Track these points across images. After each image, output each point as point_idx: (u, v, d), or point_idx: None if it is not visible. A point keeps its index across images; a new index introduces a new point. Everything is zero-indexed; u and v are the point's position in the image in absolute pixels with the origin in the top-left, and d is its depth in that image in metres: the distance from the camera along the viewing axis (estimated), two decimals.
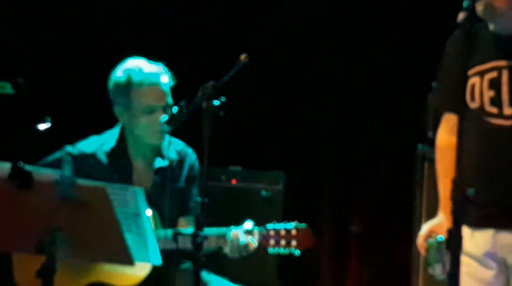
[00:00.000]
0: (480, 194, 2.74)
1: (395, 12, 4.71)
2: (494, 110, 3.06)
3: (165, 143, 3.61)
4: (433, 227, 3.14)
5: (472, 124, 3.01)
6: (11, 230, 2.89)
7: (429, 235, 3.12)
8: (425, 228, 3.18)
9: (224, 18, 4.77)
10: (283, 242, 3.39)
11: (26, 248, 2.88)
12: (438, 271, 3.08)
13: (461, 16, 2.81)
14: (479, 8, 2.96)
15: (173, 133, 3.54)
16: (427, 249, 3.10)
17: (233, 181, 4.42)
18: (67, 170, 2.76)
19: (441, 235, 3.07)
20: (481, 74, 3.09)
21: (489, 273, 3.09)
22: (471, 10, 2.85)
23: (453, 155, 3.06)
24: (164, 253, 3.15)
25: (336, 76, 4.78)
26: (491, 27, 3.10)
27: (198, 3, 4.80)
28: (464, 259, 2.93)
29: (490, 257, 3.08)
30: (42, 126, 3.81)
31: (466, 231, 3.03)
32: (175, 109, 3.38)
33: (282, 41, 4.77)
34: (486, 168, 3.03)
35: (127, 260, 2.82)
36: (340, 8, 4.75)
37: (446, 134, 3.23)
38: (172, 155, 3.64)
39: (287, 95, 4.79)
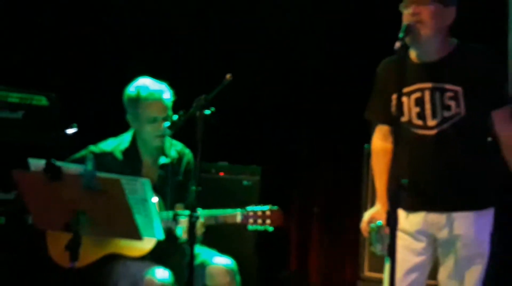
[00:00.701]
0: (411, 185, 2.76)
1: (340, 22, 4.64)
2: (419, 122, 3.04)
3: (167, 144, 3.60)
4: (373, 214, 3.14)
5: (403, 134, 3.00)
6: (45, 212, 2.89)
7: (370, 221, 3.12)
8: (366, 215, 3.17)
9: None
10: (259, 220, 3.37)
11: (57, 226, 2.85)
12: (379, 249, 3.09)
13: (397, 45, 2.82)
14: (408, 38, 2.91)
15: (174, 136, 3.52)
16: (370, 232, 3.10)
17: (221, 174, 4.40)
18: (90, 165, 2.75)
19: (380, 220, 3.10)
20: (408, 94, 3.04)
21: (420, 245, 3.08)
22: (404, 40, 2.88)
23: (386, 157, 3.14)
24: (166, 230, 3.18)
25: (294, 83, 4.74)
26: (415, 54, 3.04)
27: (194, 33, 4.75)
28: (400, 235, 2.98)
29: (421, 233, 3.08)
30: (70, 131, 3.82)
31: (402, 213, 3.06)
32: (175, 117, 3.35)
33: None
34: (415, 167, 3.00)
35: (137, 235, 2.83)
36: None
37: (380, 141, 3.22)
38: (173, 153, 3.63)
39: (262, 105, 4.76)
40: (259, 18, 4.70)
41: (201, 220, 3.34)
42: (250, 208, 3.40)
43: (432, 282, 3.21)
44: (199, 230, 3.35)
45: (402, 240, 3.01)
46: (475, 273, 3.02)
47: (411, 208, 3.05)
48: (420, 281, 3.11)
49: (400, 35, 2.83)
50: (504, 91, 3.04)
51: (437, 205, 3.04)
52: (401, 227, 3.02)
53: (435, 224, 3.05)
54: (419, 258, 3.09)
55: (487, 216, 3.04)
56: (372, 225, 3.09)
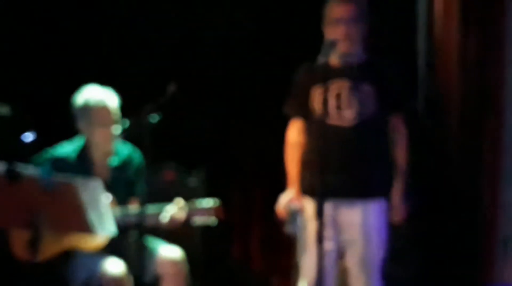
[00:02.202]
0: (320, 175, 2.86)
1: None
2: (335, 115, 3.17)
3: (118, 147, 3.61)
4: (289, 199, 3.28)
5: (316, 127, 3.13)
6: (6, 212, 2.90)
7: (287, 204, 3.26)
8: (283, 200, 3.29)
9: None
10: (204, 214, 3.43)
11: (18, 224, 2.90)
12: (290, 229, 3.24)
13: (321, 59, 2.96)
14: (333, 57, 3.11)
15: (126, 139, 3.56)
16: (287, 214, 3.25)
17: (171, 174, 4.40)
18: (47, 168, 2.84)
19: (294, 204, 3.23)
20: (328, 90, 3.15)
21: (329, 231, 3.10)
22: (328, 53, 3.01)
23: (299, 149, 3.26)
24: (118, 225, 3.20)
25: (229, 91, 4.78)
26: (337, 59, 3.18)
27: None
28: (309, 222, 3.11)
29: (332, 219, 3.16)
30: (28, 137, 3.82)
31: (310, 201, 3.17)
32: (124, 121, 3.43)
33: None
34: (333, 158, 3.06)
35: (91, 230, 2.87)
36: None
37: (294, 135, 3.33)
38: (123, 155, 3.64)
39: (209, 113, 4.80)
40: (203, 26, 4.72)
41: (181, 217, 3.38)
42: (195, 203, 3.43)
43: None
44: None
45: (311, 226, 3.12)
46: (375, 259, 3.16)
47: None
48: (335, 260, 3.23)
49: (325, 49, 2.98)
50: (404, 98, 3.24)
51: (345, 191, 3.15)
52: (310, 213, 3.14)
53: (342, 212, 3.17)
54: (329, 243, 3.15)
55: (384, 204, 3.18)
56: (289, 208, 3.24)
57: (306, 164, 3.25)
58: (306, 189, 3.25)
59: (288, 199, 3.28)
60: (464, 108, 3.69)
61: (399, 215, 3.18)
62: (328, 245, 3.11)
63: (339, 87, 3.17)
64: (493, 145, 3.45)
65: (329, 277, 3.16)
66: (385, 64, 3.25)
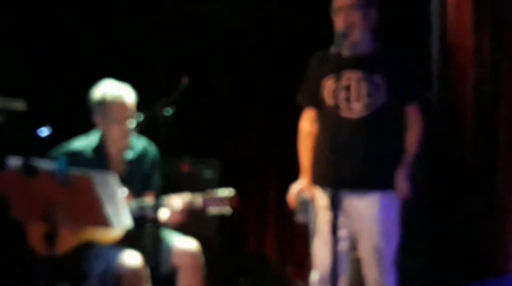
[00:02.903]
0: (333, 166, 2.83)
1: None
2: (345, 106, 3.13)
3: (133, 141, 3.59)
4: (301, 188, 3.24)
5: (327, 118, 3.12)
6: (24, 206, 2.92)
7: (298, 194, 3.23)
8: (294, 188, 3.26)
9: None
10: (219, 204, 3.40)
11: (35, 218, 2.89)
12: (301, 218, 3.21)
13: (333, 50, 2.92)
14: (345, 47, 3.06)
15: (141, 133, 3.52)
16: (297, 203, 3.22)
17: (186, 166, 4.39)
18: (63, 162, 2.80)
19: (306, 193, 3.20)
20: (338, 81, 3.11)
21: (341, 221, 3.02)
22: (340, 44, 2.96)
23: (311, 139, 3.22)
24: (134, 218, 3.18)
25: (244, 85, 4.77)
26: (348, 50, 3.13)
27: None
28: (320, 211, 3.08)
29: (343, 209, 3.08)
30: (44, 132, 3.83)
31: (319, 191, 3.14)
32: (139, 117, 3.42)
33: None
34: (337, 149, 2.95)
35: (107, 224, 2.86)
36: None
37: (307, 124, 3.30)
38: (139, 149, 3.62)
39: (222, 105, 4.78)
40: (213, 23, 4.71)
41: (180, 207, 3.37)
42: (211, 193, 3.40)
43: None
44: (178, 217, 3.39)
45: (323, 215, 3.11)
46: (388, 249, 3.12)
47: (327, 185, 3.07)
48: (347, 250, 3.20)
49: (337, 40, 2.94)
50: (418, 87, 3.18)
51: (353, 182, 3.11)
52: (321, 203, 3.12)
53: (351, 202, 3.13)
54: (342, 230, 3.09)
55: (394, 197, 3.14)
56: (299, 197, 3.20)
57: (318, 155, 3.22)
58: (317, 179, 3.22)
59: (299, 188, 3.26)
60: (478, 104, 3.64)
61: (401, 193, 3.11)
62: (341, 232, 3.08)
63: (349, 78, 3.13)
64: (508, 140, 3.38)
65: (342, 266, 3.12)
66: (398, 54, 3.19)
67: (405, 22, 3.86)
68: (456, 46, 3.81)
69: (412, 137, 3.14)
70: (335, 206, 2.74)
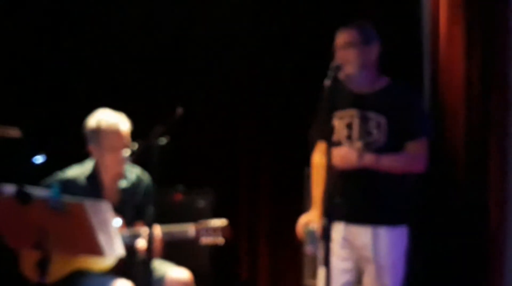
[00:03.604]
0: (339, 201, 2.87)
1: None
2: (347, 143, 3.14)
3: (127, 169, 3.59)
4: (309, 219, 3.21)
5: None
6: (17, 233, 2.89)
7: (306, 224, 3.20)
8: (302, 219, 3.23)
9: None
10: (212, 234, 3.39)
11: (27, 245, 2.85)
12: (309, 249, 3.18)
13: (326, 83, 2.89)
14: (340, 75, 3.05)
15: (135, 162, 3.46)
16: (304, 234, 3.18)
17: (177, 196, 4.36)
18: (56, 190, 2.76)
19: (314, 225, 3.16)
20: (341, 118, 3.15)
21: (345, 251, 3.13)
22: (334, 77, 2.96)
23: (322, 172, 3.19)
24: (126, 247, 3.17)
25: (236, 114, 4.78)
26: (350, 85, 3.15)
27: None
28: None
29: (346, 240, 3.12)
30: (38, 159, 3.81)
31: (337, 225, 3.11)
32: (134, 146, 3.39)
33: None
34: (341, 184, 3.03)
35: (100, 252, 2.83)
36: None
37: (319, 157, 3.28)
38: (133, 178, 3.62)
39: (216, 136, 4.78)
40: (204, 53, 4.75)
41: (159, 236, 3.36)
42: (203, 223, 3.40)
43: None
44: (158, 244, 3.36)
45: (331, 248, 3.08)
46: (389, 281, 3.08)
47: (337, 218, 3.08)
48: (352, 282, 3.16)
49: (330, 72, 2.95)
50: (420, 125, 3.13)
51: (357, 217, 3.11)
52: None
53: (354, 234, 3.12)
54: (347, 263, 3.15)
55: (401, 232, 3.12)
56: (307, 228, 3.17)
57: (325, 188, 3.19)
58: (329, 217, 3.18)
59: (307, 219, 3.23)
60: (469, 133, 3.63)
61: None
62: (346, 265, 3.13)
63: (351, 116, 3.13)
64: (499, 163, 3.38)
65: None
66: (402, 91, 3.15)
67: (398, 57, 3.87)
68: (448, 81, 3.82)
69: (402, 155, 3.07)
70: (326, 237, 2.72)
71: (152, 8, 4.78)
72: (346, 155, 3.06)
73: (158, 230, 3.38)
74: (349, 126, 3.13)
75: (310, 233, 3.15)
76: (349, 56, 3.08)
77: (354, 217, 3.12)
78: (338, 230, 3.13)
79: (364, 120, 3.10)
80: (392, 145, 3.07)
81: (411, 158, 3.10)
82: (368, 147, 3.09)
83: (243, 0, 4.71)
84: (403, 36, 4.05)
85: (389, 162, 3.06)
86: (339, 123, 3.15)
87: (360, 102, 3.13)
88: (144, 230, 3.38)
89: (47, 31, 4.67)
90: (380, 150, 3.07)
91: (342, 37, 3.13)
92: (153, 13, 4.79)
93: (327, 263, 2.70)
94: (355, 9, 4.28)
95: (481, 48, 3.50)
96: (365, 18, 3.25)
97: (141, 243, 3.40)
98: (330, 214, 2.74)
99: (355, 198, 3.11)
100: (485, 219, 3.43)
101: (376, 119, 3.09)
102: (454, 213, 3.66)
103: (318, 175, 3.26)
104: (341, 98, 3.12)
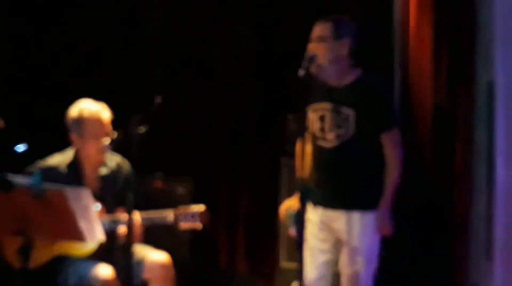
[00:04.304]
0: (316, 187, 2.92)
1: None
2: (320, 135, 3.20)
3: (108, 157, 3.60)
4: (290, 204, 3.31)
5: (312, 143, 3.20)
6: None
7: (288, 209, 3.29)
8: (285, 204, 3.34)
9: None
10: (190, 218, 3.43)
11: (9, 232, 2.85)
12: (292, 231, 3.28)
13: (300, 73, 2.96)
14: (313, 67, 3.09)
15: (115, 150, 3.52)
16: (286, 219, 3.28)
17: (159, 183, 4.41)
18: (38, 177, 2.76)
19: (294, 209, 3.24)
20: (315, 111, 3.21)
21: (323, 233, 3.22)
22: (307, 68, 3.02)
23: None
24: (107, 232, 3.19)
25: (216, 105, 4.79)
26: (321, 79, 3.19)
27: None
28: (309, 225, 3.12)
29: (323, 223, 3.22)
30: (20, 148, 3.80)
31: (311, 209, 3.21)
32: (114, 134, 3.43)
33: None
34: (317, 173, 3.17)
35: (81, 238, 2.83)
36: None
37: (300, 147, 3.31)
38: (113, 165, 3.63)
39: (194, 124, 4.80)
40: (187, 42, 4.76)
41: (139, 221, 3.40)
42: (182, 208, 3.43)
43: None
44: (138, 229, 3.40)
45: (310, 229, 3.17)
46: (364, 268, 3.16)
47: (315, 203, 3.21)
48: (331, 261, 3.24)
49: (303, 64, 2.99)
50: (390, 117, 3.19)
51: (332, 203, 3.20)
52: (310, 217, 3.18)
53: (331, 218, 3.21)
54: (325, 244, 3.23)
55: (374, 217, 3.17)
56: (288, 212, 3.28)
57: (302, 178, 3.25)
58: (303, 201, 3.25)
59: (289, 204, 3.32)
60: (436, 127, 3.69)
61: (384, 230, 3.16)
62: (324, 246, 3.20)
63: (323, 109, 3.18)
64: (464, 149, 3.43)
65: (324, 275, 3.21)
66: (371, 84, 3.19)
67: (371, 51, 3.92)
68: (417, 73, 3.86)
69: (389, 172, 3.14)
70: (299, 221, 2.80)
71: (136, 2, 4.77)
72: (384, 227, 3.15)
73: (138, 215, 3.42)
74: (321, 118, 3.19)
75: (292, 217, 3.25)
76: (319, 50, 3.12)
77: (330, 203, 3.20)
78: (317, 214, 3.22)
79: (335, 113, 3.15)
80: (361, 136, 3.14)
81: (396, 163, 3.14)
82: (339, 138, 3.15)
83: None
84: (375, 31, 4.08)
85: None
86: (313, 116, 3.21)
87: (332, 95, 3.18)
88: (124, 216, 3.40)
89: (30, 24, 4.65)
90: (348, 142, 3.14)
91: (316, 30, 3.17)
92: (135, 8, 4.77)
93: (300, 241, 2.79)
94: (330, 5, 4.30)
95: (448, 43, 3.55)
96: (340, 13, 3.27)
97: (122, 229, 3.43)
98: (304, 200, 2.82)
99: (330, 185, 3.19)
100: (452, 201, 3.49)
101: (345, 112, 3.14)
102: (423, 195, 3.73)
103: (299, 164, 3.32)
104: (315, 91, 3.18)
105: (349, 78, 3.20)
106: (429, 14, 3.68)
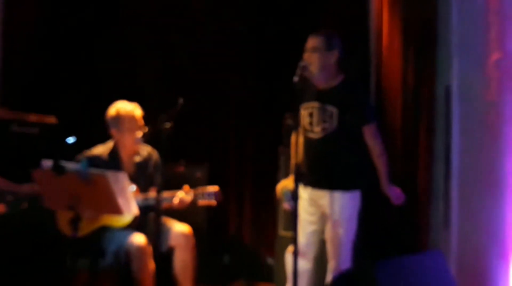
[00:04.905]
0: (306, 171, 2.95)
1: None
2: (309, 128, 3.20)
3: (141, 147, 3.60)
4: (285, 184, 3.31)
5: (303, 135, 3.19)
6: (54, 197, 2.92)
7: (283, 188, 3.30)
8: (280, 184, 3.35)
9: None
10: (206, 196, 3.41)
11: (63, 207, 2.89)
12: (286, 206, 3.28)
13: (295, 79, 2.94)
14: (306, 73, 3.08)
15: (146, 142, 3.53)
16: (281, 195, 3.29)
17: (181, 168, 4.36)
18: (85, 164, 2.80)
19: (288, 187, 3.25)
20: (305, 109, 3.21)
21: (312, 209, 3.23)
22: (301, 75, 3.01)
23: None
24: (140, 207, 3.20)
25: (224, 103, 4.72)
26: (312, 83, 3.18)
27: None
28: (300, 201, 3.11)
29: (312, 201, 3.23)
30: (70, 140, 3.82)
31: (302, 188, 3.22)
32: (145, 129, 3.44)
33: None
34: (307, 159, 3.16)
35: (119, 212, 2.88)
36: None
37: (294, 139, 3.31)
38: (144, 154, 3.62)
39: (210, 121, 4.74)
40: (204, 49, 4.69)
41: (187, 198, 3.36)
42: (200, 188, 3.42)
43: None
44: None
45: (301, 204, 3.17)
46: (344, 237, 3.15)
47: (306, 184, 3.21)
48: (317, 231, 3.24)
49: (297, 71, 2.99)
50: (367, 113, 3.18)
51: (318, 184, 3.20)
52: (301, 195, 3.17)
53: (319, 195, 3.20)
54: (313, 217, 3.23)
55: (353, 196, 3.18)
56: (283, 190, 3.29)
57: (296, 161, 3.25)
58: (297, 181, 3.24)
59: (284, 184, 3.32)
60: (404, 120, 3.68)
61: (397, 200, 3.14)
62: (312, 218, 3.19)
63: (312, 107, 3.18)
64: (426, 138, 3.41)
65: (311, 243, 3.21)
66: (351, 88, 3.15)
67: (352, 60, 3.91)
68: (388, 75, 3.86)
69: (376, 159, 3.14)
70: (294, 198, 2.81)
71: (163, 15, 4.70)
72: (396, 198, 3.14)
73: (186, 196, 3.39)
74: (311, 115, 3.19)
75: (286, 194, 3.25)
76: (312, 59, 3.12)
77: (316, 184, 3.21)
78: (307, 192, 3.23)
79: (321, 111, 3.15)
80: (343, 129, 3.13)
81: (379, 151, 3.14)
82: (324, 131, 3.15)
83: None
84: (355, 44, 4.06)
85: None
86: (304, 113, 3.21)
87: (320, 96, 3.18)
88: (159, 194, 3.39)
89: (82, 33, 4.58)
90: (333, 133, 3.14)
91: (310, 42, 3.15)
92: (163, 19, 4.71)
93: (295, 215, 2.79)
94: (310, 8, 4.24)
95: (413, 52, 3.54)
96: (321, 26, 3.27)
97: (176, 200, 3.38)
98: (298, 180, 2.82)
99: (316, 170, 3.20)
100: (416, 177, 3.47)
101: (330, 109, 3.14)
102: (392, 175, 3.73)
103: (294, 152, 3.32)
104: (307, 92, 3.18)
105: (334, 82, 3.19)
106: (398, 27, 3.67)
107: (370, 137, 3.14)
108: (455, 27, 3.07)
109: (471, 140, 3.00)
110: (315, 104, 3.18)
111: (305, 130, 3.20)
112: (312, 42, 3.14)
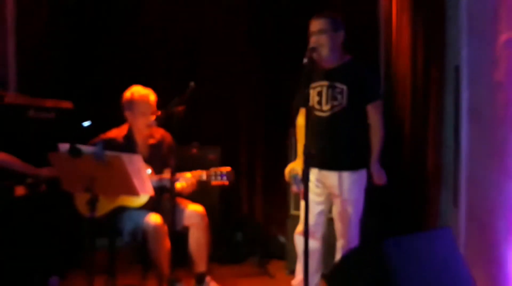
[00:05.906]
0: (314, 151, 2.85)
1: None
2: (318, 107, 3.13)
3: (155, 130, 3.56)
4: (293, 166, 3.23)
5: (310, 115, 3.10)
6: (72, 180, 2.89)
7: (291, 170, 3.22)
8: (289, 166, 3.25)
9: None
10: (219, 177, 3.37)
11: (80, 189, 2.85)
12: (294, 189, 3.20)
13: (304, 61, 2.88)
14: (315, 55, 3.00)
15: (160, 125, 3.44)
16: (290, 178, 3.21)
17: (194, 150, 4.33)
18: (100, 147, 2.76)
19: (297, 170, 3.18)
20: (314, 88, 3.14)
21: (319, 190, 3.19)
22: (310, 57, 2.93)
23: (303, 131, 3.18)
24: (155, 188, 3.19)
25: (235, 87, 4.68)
26: (321, 63, 3.11)
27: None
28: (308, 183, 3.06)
29: (319, 182, 3.18)
30: (86, 124, 3.79)
31: (313, 170, 3.15)
32: (159, 113, 3.36)
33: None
34: (315, 138, 3.05)
35: (135, 192, 2.84)
36: None
37: (301, 119, 3.28)
38: (158, 137, 3.60)
39: (223, 105, 4.71)
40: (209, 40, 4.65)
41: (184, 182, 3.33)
42: (213, 169, 3.38)
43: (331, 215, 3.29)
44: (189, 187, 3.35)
45: (309, 186, 3.08)
46: (352, 214, 3.11)
47: (313, 166, 3.13)
48: (324, 211, 3.21)
49: (306, 54, 2.91)
50: (375, 91, 3.11)
51: (326, 165, 3.13)
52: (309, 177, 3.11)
53: (325, 177, 3.15)
54: (320, 197, 3.20)
55: (360, 175, 3.13)
56: (292, 173, 3.19)
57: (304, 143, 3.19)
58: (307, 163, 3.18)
59: (292, 167, 3.24)
60: (413, 100, 3.60)
61: (380, 180, 3.10)
62: (319, 198, 3.16)
63: (321, 86, 3.11)
64: (436, 117, 3.34)
65: (319, 223, 3.18)
66: (358, 67, 3.12)
67: (360, 38, 3.84)
68: (398, 54, 3.79)
69: (373, 137, 3.08)
70: (305, 179, 2.74)
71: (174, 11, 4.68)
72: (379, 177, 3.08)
73: (190, 176, 3.35)
74: (319, 94, 3.12)
75: (294, 177, 3.18)
76: (322, 41, 3.04)
77: (324, 165, 3.14)
78: (314, 173, 3.17)
79: (331, 89, 3.08)
80: (352, 106, 3.07)
81: (379, 127, 3.08)
82: (333, 109, 3.07)
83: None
84: (363, 21, 4.01)
85: (379, 150, 3.07)
86: (312, 92, 3.13)
87: (329, 75, 3.11)
88: (173, 175, 3.34)
89: (98, 18, 4.57)
90: (343, 110, 3.07)
91: (315, 25, 3.07)
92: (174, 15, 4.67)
93: (306, 198, 2.72)
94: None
95: (423, 33, 3.45)
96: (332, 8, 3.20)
97: (179, 185, 3.36)
98: (308, 163, 2.74)
99: (324, 151, 3.12)
100: (426, 157, 3.41)
101: (340, 87, 3.07)
102: (403, 156, 3.67)
103: (301, 134, 3.25)
104: (315, 73, 3.11)
105: (342, 61, 3.13)
106: (408, 8, 3.58)
107: (374, 113, 3.08)
108: (465, 7, 2.99)
109: (480, 121, 2.91)
110: (324, 83, 3.11)
111: (314, 109, 3.13)
112: (318, 24, 3.06)
